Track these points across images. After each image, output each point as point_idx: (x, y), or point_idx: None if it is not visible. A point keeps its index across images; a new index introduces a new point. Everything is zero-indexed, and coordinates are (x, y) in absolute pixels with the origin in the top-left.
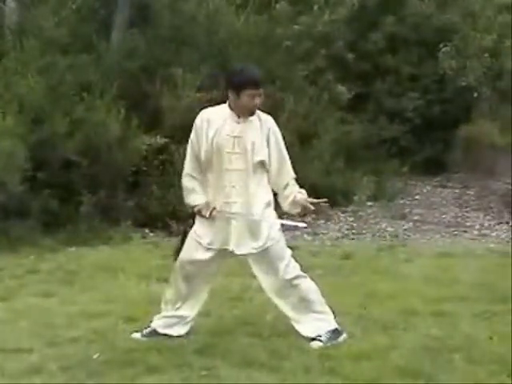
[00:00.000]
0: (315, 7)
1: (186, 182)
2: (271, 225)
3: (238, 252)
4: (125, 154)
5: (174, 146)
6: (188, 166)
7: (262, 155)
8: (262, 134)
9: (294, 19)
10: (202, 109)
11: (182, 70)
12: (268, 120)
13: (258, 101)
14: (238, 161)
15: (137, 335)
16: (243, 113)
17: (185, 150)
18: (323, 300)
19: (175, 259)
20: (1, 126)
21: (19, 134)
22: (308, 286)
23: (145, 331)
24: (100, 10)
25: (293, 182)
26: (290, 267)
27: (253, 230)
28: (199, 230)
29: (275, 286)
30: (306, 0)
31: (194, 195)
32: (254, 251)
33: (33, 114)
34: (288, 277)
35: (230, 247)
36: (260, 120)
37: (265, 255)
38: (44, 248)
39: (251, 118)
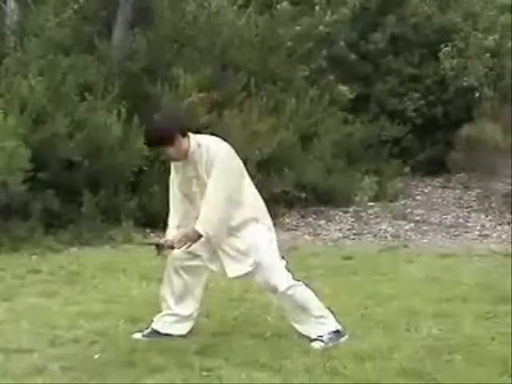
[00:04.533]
0: (317, 8)
1: None
2: (257, 246)
3: (230, 276)
4: (126, 154)
5: None
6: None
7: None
8: (203, 169)
9: (295, 19)
10: (203, 109)
11: (184, 71)
12: (209, 150)
13: (172, 153)
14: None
15: (138, 335)
16: None
17: None
18: (321, 304)
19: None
20: (2, 126)
21: (21, 135)
22: (303, 294)
23: (146, 331)
24: (101, 10)
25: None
26: (284, 279)
27: (239, 252)
28: None
29: (271, 293)
30: (308, 0)
31: None
32: (241, 273)
33: (34, 115)
34: (282, 289)
35: (217, 269)
36: (202, 154)
37: (254, 273)
38: (46, 248)
39: (195, 155)
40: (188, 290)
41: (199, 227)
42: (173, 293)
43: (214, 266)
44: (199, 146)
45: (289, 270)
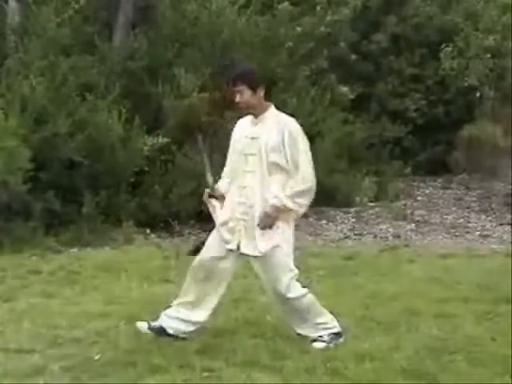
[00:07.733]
0: (318, 8)
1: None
2: (277, 239)
3: (243, 251)
4: (127, 155)
5: (176, 146)
6: (224, 170)
7: (275, 156)
8: (278, 136)
9: (296, 20)
10: (204, 109)
11: (184, 71)
12: (286, 122)
13: (237, 98)
14: (253, 162)
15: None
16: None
17: (187, 150)
18: (323, 310)
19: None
20: (3, 126)
21: (22, 135)
22: (308, 304)
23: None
24: (102, 10)
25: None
26: (291, 286)
27: (259, 233)
28: (218, 229)
29: (275, 296)
30: (309, 0)
31: (218, 184)
32: (257, 254)
33: (35, 115)
34: (291, 295)
35: (236, 245)
36: (278, 122)
37: (268, 261)
38: (46, 248)
39: (268, 120)
40: (200, 299)
41: (292, 204)
42: (188, 298)
43: (231, 245)
44: (277, 115)
45: (298, 280)
